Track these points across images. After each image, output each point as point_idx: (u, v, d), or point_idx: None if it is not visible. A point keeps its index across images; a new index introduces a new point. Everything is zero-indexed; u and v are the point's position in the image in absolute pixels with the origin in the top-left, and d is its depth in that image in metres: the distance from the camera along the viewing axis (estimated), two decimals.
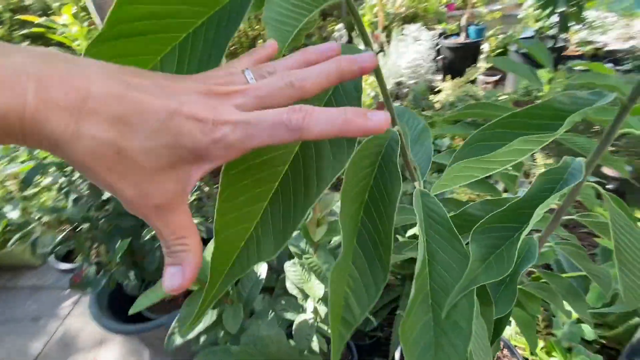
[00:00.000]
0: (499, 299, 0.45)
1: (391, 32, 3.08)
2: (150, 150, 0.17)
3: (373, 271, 0.30)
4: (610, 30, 2.25)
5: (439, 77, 2.98)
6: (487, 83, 2.72)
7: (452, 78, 2.61)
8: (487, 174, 0.30)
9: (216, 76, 0.20)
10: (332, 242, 0.79)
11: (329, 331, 0.91)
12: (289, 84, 0.19)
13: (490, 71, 2.82)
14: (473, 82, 2.59)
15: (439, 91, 2.67)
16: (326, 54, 0.22)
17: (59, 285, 1.64)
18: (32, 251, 0.87)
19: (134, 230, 0.84)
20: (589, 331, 0.88)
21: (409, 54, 2.72)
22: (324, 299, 0.76)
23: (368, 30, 3.38)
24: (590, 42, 2.38)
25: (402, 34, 2.82)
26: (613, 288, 0.52)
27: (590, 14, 2.39)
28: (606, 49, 2.33)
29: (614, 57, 2.15)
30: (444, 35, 3.11)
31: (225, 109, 0.18)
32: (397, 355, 0.88)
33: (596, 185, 0.38)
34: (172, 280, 0.19)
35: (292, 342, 0.77)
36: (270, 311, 0.72)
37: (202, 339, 0.69)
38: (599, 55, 2.27)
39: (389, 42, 2.96)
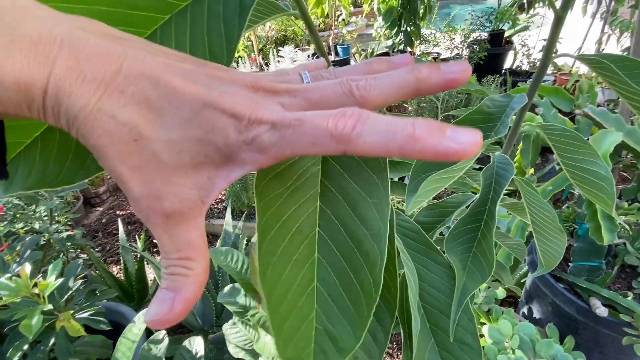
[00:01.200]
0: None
1: (267, 54, 3.16)
2: (175, 143, 0.14)
3: (377, 314, 0.26)
4: (440, 43, 2.84)
5: None
6: None
7: None
8: (449, 182, 0.30)
9: (269, 74, 0.18)
10: None
11: None
12: (347, 92, 0.16)
13: None
14: None
15: None
16: (398, 65, 0.18)
17: None
18: None
19: None
20: (500, 292, 1.04)
21: None
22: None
23: (244, 54, 3.37)
24: (429, 53, 2.95)
25: (280, 56, 2.92)
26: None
27: (426, 32, 2.96)
28: (440, 57, 2.92)
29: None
30: (315, 55, 3.36)
31: (268, 106, 0.15)
32: None
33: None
34: (159, 308, 0.15)
35: None
36: None
37: None
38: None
39: (267, 64, 3.03)
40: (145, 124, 0.14)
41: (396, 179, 0.86)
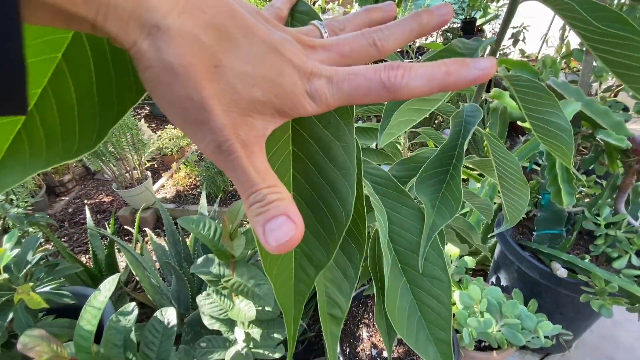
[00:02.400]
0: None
1: None
2: (249, 77, 0.15)
3: (346, 250, 0.27)
4: None
5: None
6: None
7: None
8: (422, 116, 0.30)
9: (291, 29, 0.18)
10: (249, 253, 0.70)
11: (267, 353, 0.80)
12: (372, 43, 0.18)
13: None
14: None
15: None
16: (389, 12, 0.22)
17: None
18: None
19: None
20: (471, 261, 1.08)
21: None
22: (255, 321, 0.67)
23: None
24: None
25: None
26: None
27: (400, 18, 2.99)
28: (416, 45, 2.97)
29: (423, 51, 2.77)
30: None
31: (316, 58, 0.17)
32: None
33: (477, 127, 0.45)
34: (280, 231, 0.15)
35: None
36: None
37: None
38: (412, 50, 2.86)
39: None
40: (223, 52, 0.14)
41: (373, 146, 0.87)
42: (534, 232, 1.04)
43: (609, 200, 0.93)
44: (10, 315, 0.53)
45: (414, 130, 0.75)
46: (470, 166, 0.56)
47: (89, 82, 0.18)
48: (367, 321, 0.97)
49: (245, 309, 0.59)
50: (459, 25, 2.80)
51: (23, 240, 0.56)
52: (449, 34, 2.75)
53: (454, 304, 0.99)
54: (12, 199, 1.00)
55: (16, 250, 0.53)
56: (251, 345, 0.70)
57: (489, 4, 2.60)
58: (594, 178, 1.09)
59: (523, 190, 0.49)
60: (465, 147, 0.36)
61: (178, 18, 0.13)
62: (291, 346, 0.24)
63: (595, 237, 0.93)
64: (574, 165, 1.01)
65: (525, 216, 1.08)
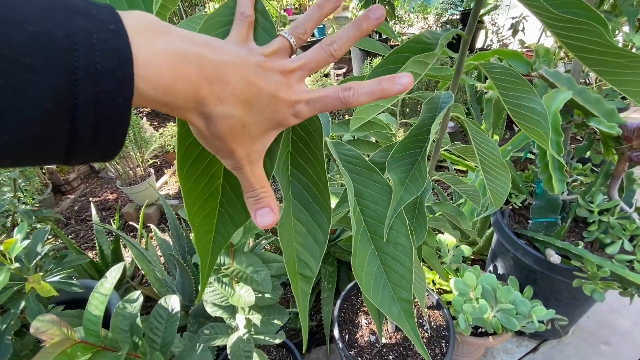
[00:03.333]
0: (416, 230, 0.50)
1: None
2: (258, 123, 0.23)
3: (315, 218, 0.30)
4: (415, 24, 2.87)
5: None
6: (338, 75, 3.06)
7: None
8: (390, 103, 0.32)
9: (264, 48, 0.25)
10: (247, 243, 0.73)
11: (267, 339, 0.83)
12: (330, 54, 0.25)
13: (339, 64, 3.17)
14: (327, 75, 2.86)
15: None
16: (336, 4, 0.27)
17: None
18: None
19: None
20: (467, 250, 1.10)
21: None
22: (255, 307, 0.69)
23: None
24: (403, 34, 2.97)
25: None
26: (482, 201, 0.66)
27: (400, 12, 2.97)
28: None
29: None
30: None
31: (297, 87, 0.24)
32: (335, 333, 0.89)
33: (456, 114, 0.47)
34: (265, 218, 0.25)
35: None
36: (198, 345, 0.61)
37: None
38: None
39: None
40: (246, 115, 0.22)
41: (362, 137, 0.88)
42: (529, 221, 1.05)
43: (603, 187, 0.94)
44: (22, 304, 0.56)
45: (406, 122, 0.76)
46: (463, 157, 0.57)
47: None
48: (365, 309, 0.99)
49: (245, 295, 0.62)
50: (458, 17, 2.79)
51: (33, 233, 0.59)
52: (448, 25, 2.74)
53: (450, 291, 1.01)
54: (19, 197, 1.04)
55: (26, 242, 0.56)
56: (252, 331, 0.73)
57: None
58: (589, 166, 1.10)
59: (503, 174, 0.50)
60: (437, 128, 0.38)
61: (220, 106, 0.20)
62: (202, 290, 0.32)
63: (589, 223, 0.94)
64: (569, 153, 1.02)
65: (520, 205, 1.09)
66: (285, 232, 0.29)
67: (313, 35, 3.17)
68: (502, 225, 1.07)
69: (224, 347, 0.73)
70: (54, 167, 2.06)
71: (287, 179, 0.30)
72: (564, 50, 1.84)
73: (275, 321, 0.73)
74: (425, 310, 0.97)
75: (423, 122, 0.39)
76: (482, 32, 2.75)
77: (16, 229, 0.55)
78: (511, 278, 1.01)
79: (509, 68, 0.43)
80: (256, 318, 0.68)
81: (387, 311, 0.31)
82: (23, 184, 1.29)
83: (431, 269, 1.19)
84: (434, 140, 0.54)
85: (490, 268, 1.24)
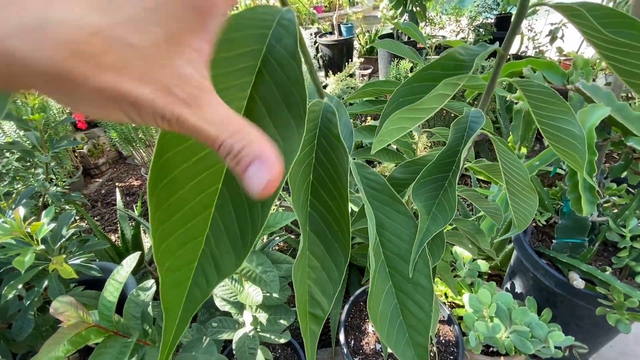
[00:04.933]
0: (432, 251, 0.49)
1: None
2: (136, 25, 0.12)
3: (332, 254, 0.28)
4: (446, 26, 2.79)
5: (322, 73, 3.17)
6: (363, 75, 3.03)
7: (334, 74, 2.81)
8: (416, 124, 0.31)
9: None
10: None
11: (273, 337, 0.84)
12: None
13: (364, 65, 3.14)
14: (352, 75, 2.83)
15: (325, 86, 2.84)
16: None
17: None
18: None
19: None
20: (483, 265, 1.06)
21: None
22: (262, 306, 0.70)
23: None
24: (434, 36, 2.90)
25: None
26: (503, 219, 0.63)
27: (432, 14, 2.90)
28: (445, 40, 2.88)
29: (443, 48, 2.68)
30: (319, 34, 3.31)
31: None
32: (341, 337, 0.88)
33: (484, 130, 0.45)
34: (257, 179, 0.14)
35: None
36: (205, 338, 0.62)
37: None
38: (440, 47, 2.78)
39: None
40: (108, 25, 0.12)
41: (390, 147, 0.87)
42: (553, 240, 1.00)
43: (638, 211, 0.88)
44: (46, 283, 0.60)
45: (428, 130, 0.74)
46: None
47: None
48: None
49: (253, 293, 0.63)
50: (492, 20, 2.68)
51: (59, 217, 0.62)
52: (481, 29, 2.64)
53: (462, 306, 0.98)
54: (52, 178, 1.09)
55: (52, 225, 0.59)
56: (259, 329, 0.74)
57: None
58: (624, 187, 1.04)
59: (531, 197, 0.48)
60: (466, 154, 0.36)
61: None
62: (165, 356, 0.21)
63: (619, 249, 0.89)
64: (603, 172, 0.97)
65: (545, 222, 1.04)
66: (300, 268, 0.27)
67: (341, 34, 3.15)
68: (523, 242, 1.02)
69: (231, 340, 0.74)
70: (85, 151, 2.17)
71: (305, 209, 0.27)
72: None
73: (282, 321, 0.73)
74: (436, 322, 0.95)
75: (451, 145, 0.37)
76: (517, 38, 2.64)
77: (44, 212, 0.58)
78: (529, 298, 0.97)
79: (546, 87, 0.40)
80: (263, 317, 0.69)
81: (401, 354, 0.30)
82: (56, 167, 1.37)
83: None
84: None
85: (508, 285, 1.19)
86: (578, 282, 0.83)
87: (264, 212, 0.20)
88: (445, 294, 1.13)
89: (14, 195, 0.70)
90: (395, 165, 0.78)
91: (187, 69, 0.13)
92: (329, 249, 0.28)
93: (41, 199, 1.04)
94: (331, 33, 3.29)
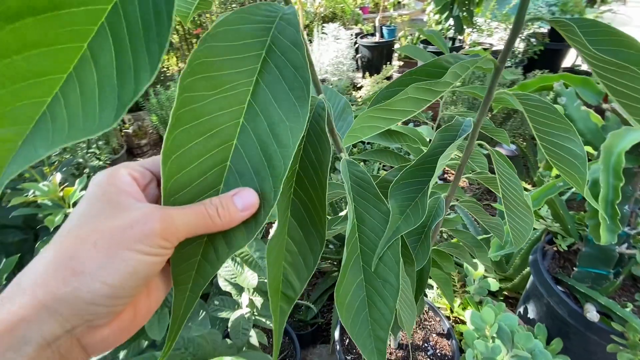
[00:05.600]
0: (417, 255, 0.49)
1: (312, 30, 3.16)
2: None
3: (309, 241, 0.29)
4: (495, 33, 2.66)
5: (359, 74, 3.17)
6: None
7: (371, 75, 2.79)
8: (391, 125, 0.32)
9: None
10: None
11: (268, 322, 0.87)
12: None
13: (403, 68, 3.09)
14: (389, 78, 2.80)
15: (360, 87, 2.83)
16: None
17: None
18: None
19: (23, 244, 0.69)
20: (493, 284, 1.02)
21: (330, 52, 2.82)
22: (257, 289, 0.73)
23: None
24: (480, 43, 2.78)
25: (323, 32, 2.91)
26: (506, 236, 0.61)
27: (479, 20, 2.78)
28: (493, 49, 2.74)
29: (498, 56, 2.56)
30: (360, 35, 3.30)
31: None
32: (336, 334, 0.90)
33: (483, 143, 0.44)
34: (243, 196, 0.22)
35: (228, 341, 0.73)
36: (201, 311, 0.67)
37: (121, 355, 0.61)
38: (495, 53, 2.66)
39: (310, 40, 3.03)
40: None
41: (392, 148, 0.87)
42: (575, 268, 0.94)
43: None
44: None
45: None
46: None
47: (110, 67, 0.18)
48: None
49: (250, 277, 0.66)
50: (546, 30, 2.52)
51: None
52: (532, 39, 2.50)
53: (464, 322, 0.96)
54: (95, 153, 1.21)
55: (84, 192, 0.67)
56: (255, 312, 0.78)
57: (586, 9, 2.29)
58: None
59: (526, 215, 0.47)
60: (445, 161, 0.36)
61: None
62: (169, 346, 0.25)
63: None
64: (636, 202, 0.89)
65: (566, 248, 0.98)
66: (275, 248, 0.28)
67: (382, 36, 3.12)
68: (540, 266, 0.97)
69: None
70: (130, 131, 2.35)
71: (288, 196, 0.29)
72: None
73: None
74: (434, 335, 0.93)
75: (433, 151, 0.38)
76: (572, 51, 2.45)
77: (77, 180, 0.66)
78: (539, 325, 0.92)
79: (547, 102, 0.39)
80: (258, 301, 0.73)
81: (361, 345, 0.31)
82: (101, 142, 1.50)
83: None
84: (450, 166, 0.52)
85: (521, 310, 1.13)
86: (592, 315, 0.78)
87: (275, 184, 0.23)
88: (451, 309, 1.10)
89: (55, 163, 0.80)
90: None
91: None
92: (307, 236, 0.29)
93: (85, 170, 1.15)
94: (372, 34, 3.27)
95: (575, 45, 0.31)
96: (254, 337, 0.77)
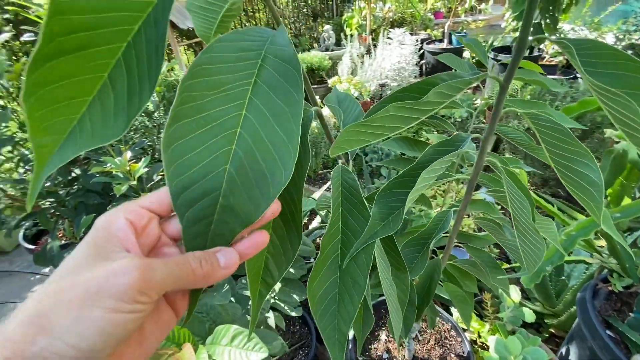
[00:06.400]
0: (415, 265, 0.50)
1: (378, 35, 3.16)
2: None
3: (290, 236, 0.32)
4: None
5: None
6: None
7: None
8: (377, 140, 0.34)
9: None
10: None
11: (286, 308, 0.94)
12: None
13: None
14: None
15: None
16: None
17: (29, 270, 1.64)
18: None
19: (100, 207, 0.86)
20: (529, 314, 0.94)
21: (393, 57, 2.79)
22: None
23: (355, 32, 3.42)
24: (562, 53, 2.50)
25: (389, 37, 2.89)
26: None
27: (565, 27, 2.50)
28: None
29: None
30: (427, 40, 3.20)
31: None
32: (350, 334, 0.92)
33: (493, 159, 0.44)
34: (227, 255, 0.23)
35: (248, 317, 0.80)
36: (226, 285, 0.75)
37: None
38: (571, 66, 2.38)
39: (375, 45, 3.04)
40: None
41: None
42: (631, 313, 0.83)
43: None
44: None
45: None
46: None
47: (122, 90, 0.22)
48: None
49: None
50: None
51: (154, 165, 0.83)
52: (629, 51, 2.17)
53: (488, 348, 0.90)
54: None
55: (147, 169, 0.80)
56: (275, 296, 0.84)
57: None
58: None
59: (537, 239, 0.45)
60: (428, 176, 0.36)
61: None
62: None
63: None
64: None
65: (622, 289, 0.86)
66: None
67: (450, 43, 2.98)
68: (588, 305, 0.87)
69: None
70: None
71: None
72: None
73: (294, 295, 0.82)
74: (452, 355, 0.90)
75: (422, 164, 0.38)
76: None
77: (143, 159, 0.80)
78: None
79: (559, 124, 0.37)
80: (277, 285, 0.79)
81: (326, 336, 0.34)
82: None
83: (482, 319, 1.06)
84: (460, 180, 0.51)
85: (563, 350, 1.02)
86: None
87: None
88: (479, 333, 1.04)
89: (130, 143, 0.97)
90: None
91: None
92: (289, 232, 0.32)
93: (151, 152, 1.35)
94: (441, 41, 3.15)
95: (577, 69, 0.30)
96: (271, 319, 0.83)
